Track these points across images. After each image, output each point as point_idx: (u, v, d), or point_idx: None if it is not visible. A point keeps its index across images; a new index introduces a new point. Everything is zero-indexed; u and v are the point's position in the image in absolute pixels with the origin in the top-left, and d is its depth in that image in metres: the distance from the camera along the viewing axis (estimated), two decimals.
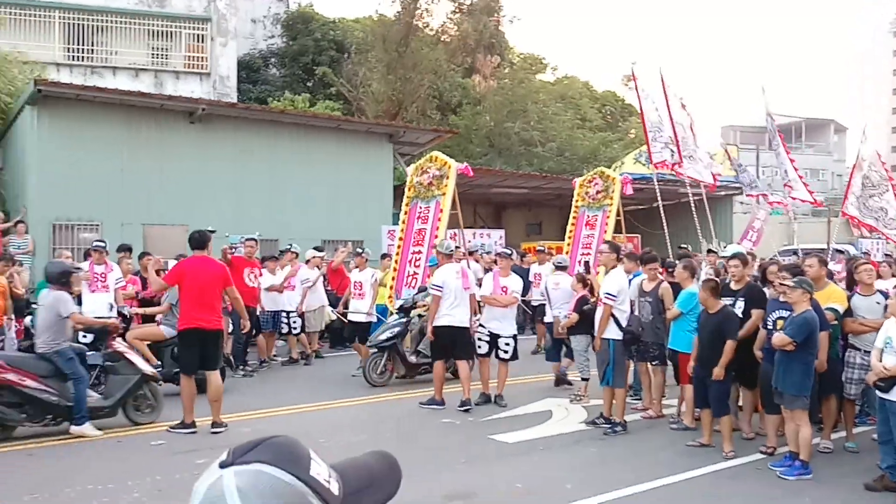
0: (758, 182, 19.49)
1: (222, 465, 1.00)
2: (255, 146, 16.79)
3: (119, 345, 8.64)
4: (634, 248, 19.91)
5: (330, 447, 7.60)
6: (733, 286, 8.25)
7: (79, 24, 24.17)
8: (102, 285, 10.92)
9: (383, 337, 10.81)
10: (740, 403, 8.39)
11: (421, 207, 13.30)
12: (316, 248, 14.06)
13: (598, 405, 8.78)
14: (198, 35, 25.63)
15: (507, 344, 9.71)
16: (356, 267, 12.99)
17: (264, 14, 31.85)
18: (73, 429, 7.84)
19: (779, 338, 6.75)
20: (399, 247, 13.27)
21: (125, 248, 12.41)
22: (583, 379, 9.97)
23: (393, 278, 13.03)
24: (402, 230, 13.37)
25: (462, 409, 9.18)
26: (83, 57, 24.23)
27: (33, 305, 12.19)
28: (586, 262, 16.74)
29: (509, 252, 10.59)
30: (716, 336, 7.43)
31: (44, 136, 14.58)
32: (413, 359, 11.00)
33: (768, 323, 7.38)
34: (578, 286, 10.09)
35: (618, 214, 15.34)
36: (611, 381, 8.36)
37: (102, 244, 11.18)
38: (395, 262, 13.25)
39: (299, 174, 17.01)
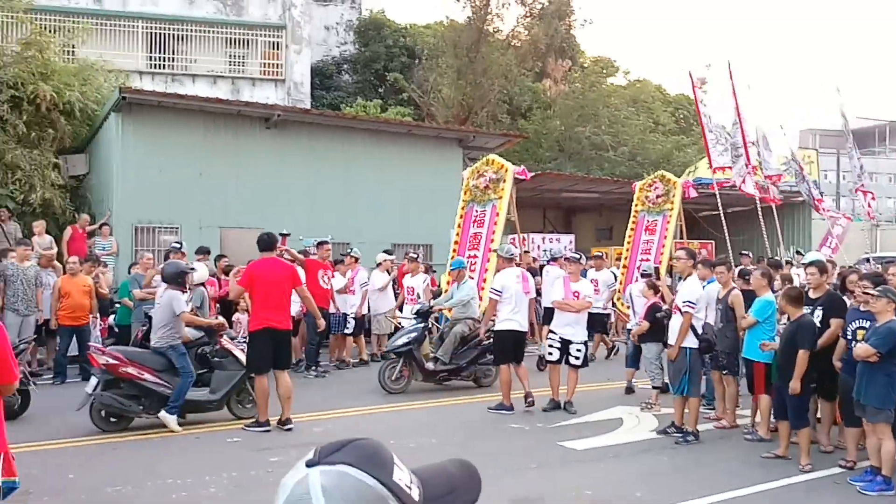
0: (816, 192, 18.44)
1: (309, 464, 1.05)
2: (329, 151, 17.08)
3: (226, 342, 9.01)
4: (708, 254, 19.57)
5: (398, 450, 7.62)
6: (812, 294, 8.03)
7: (160, 34, 25.00)
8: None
9: (399, 342, 10.58)
10: (818, 415, 8.17)
11: (477, 211, 13.22)
12: (386, 252, 14.22)
13: (669, 414, 8.66)
14: (273, 42, 26.22)
15: (579, 350, 9.63)
16: (409, 272, 13.03)
17: (337, 21, 32.35)
18: (162, 414, 8.18)
19: (862, 348, 6.55)
20: (454, 251, 13.16)
21: (203, 251, 12.79)
22: (654, 387, 9.85)
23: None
24: (457, 234, 13.31)
25: (496, 410, 9.33)
26: (164, 65, 25.05)
27: (116, 305, 12.70)
28: (656, 268, 16.41)
29: (578, 256, 10.49)
30: (791, 345, 7.25)
31: (128, 142, 15.13)
32: (430, 366, 10.63)
33: (848, 333, 7.17)
34: (650, 293, 9.97)
35: (679, 219, 14.94)
36: (686, 390, 8.23)
37: (179, 245, 11.54)
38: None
39: (371, 179, 17.22)
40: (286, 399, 8.33)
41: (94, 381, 8.12)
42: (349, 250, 13.54)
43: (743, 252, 15.12)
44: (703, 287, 9.22)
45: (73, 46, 19.93)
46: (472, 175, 13.35)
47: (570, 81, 32.53)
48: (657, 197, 15.38)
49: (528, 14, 29.18)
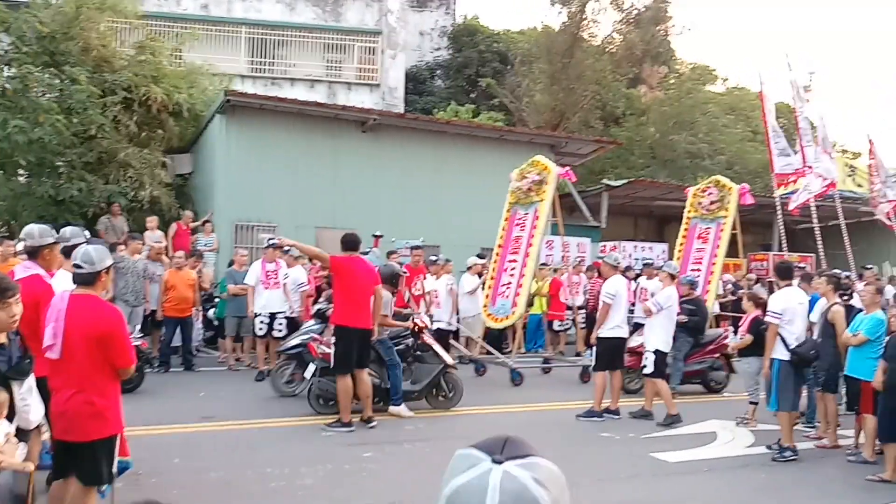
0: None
1: (495, 461, 1.12)
2: (421, 155, 17.30)
3: (428, 338, 9.72)
4: (810, 267, 18.93)
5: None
6: None
7: (262, 39, 25.81)
8: (274, 282, 11.63)
9: (292, 343, 9.91)
10: None
11: (520, 214, 12.74)
12: (478, 256, 14.28)
13: (766, 430, 8.43)
14: (369, 48, 26.71)
15: (646, 358, 9.60)
16: (433, 274, 12.75)
17: (432, 27, 32.71)
18: (392, 409, 9.01)
19: None
20: (497, 254, 12.78)
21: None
22: (751, 402, 9.60)
23: (490, 286, 12.60)
24: (501, 237, 12.89)
25: (586, 417, 9.31)
26: (265, 69, 25.83)
27: (216, 299, 13.18)
28: (735, 282, 15.90)
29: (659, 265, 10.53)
30: None
31: (230, 143, 15.68)
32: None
33: None
34: (750, 305, 9.75)
35: (734, 228, 14.07)
36: (774, 404, 8.12)
37: (274, 241, 11.85)
38: (493, 269, 12.75)
39: (462, 183, 17.34)
40: (366, 397, 8.46)
41: (312, 368, 9.08)
42: (434, 258, 13.05)
43: (866, 266, 14.50)
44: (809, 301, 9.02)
45: (181, 51, 20.77)
46: (518, 177, 12.89)
47: (666, 88, 31.98)
48: (711, 203, 14.40)
49: (625, 20, 28.85)
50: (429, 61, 32.11)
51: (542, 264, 16.02)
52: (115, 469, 4.63)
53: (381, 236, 14.44)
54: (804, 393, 9.63)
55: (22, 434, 4.07)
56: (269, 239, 12.03)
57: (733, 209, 13.98)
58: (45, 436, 4.62)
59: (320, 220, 16.04)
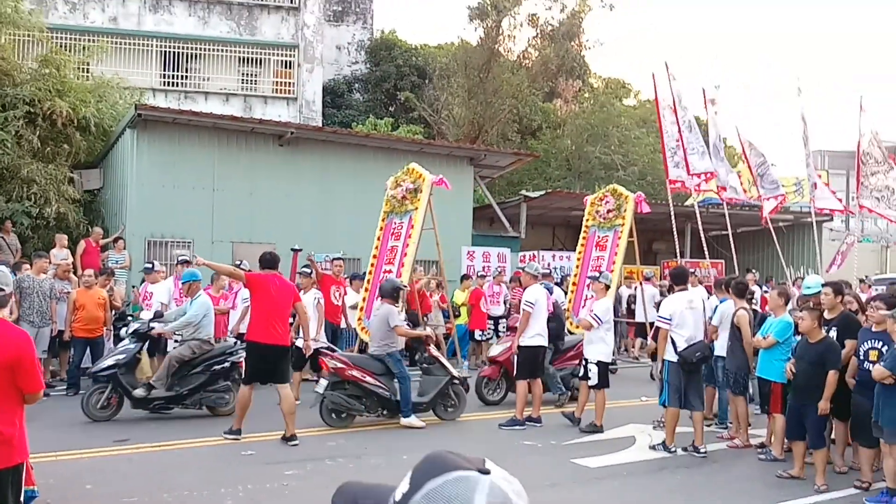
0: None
1: (484, 472, 1.15)
2: (340, 168, 17.19)
3: (434, 350, 9.99)
4: (718, 274, 19.57)
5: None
6: (826, 315, 8.04)
7: (174, 52, 25.28)
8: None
9: (105, 365, 9.43)
10: (833, 436, 8.15)
11: (395, 223, 12.39)
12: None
13: (682, 432, 8.64)
14: (285, 62, 26.47)
15: (590, 370, 9.70)
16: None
17: (349, 41, 32.61)
18: (403, 420, 9.28)
19: (878, 371, 6.56)
20: (372, 265, 12.39)
21: (359, 277, 13.07)
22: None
23: (364, 299, 12.23)
24: (376, 247, 12.51)
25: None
26: (178, 83, 25.29)
27: (129, 318, 12.75)
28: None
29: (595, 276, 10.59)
30: (817, 366, 7.25)
31: (142, 158, 15.26)
32: (141, 392, 9.25)
33: (860, 353, 7.19)
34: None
35: (631, 235, 14.01)
36: (663, 400, 8.59)
37: (186, 258, 11.65)
38: (367, 281, 12.35)
39: (382, 196, 17.29)
40: (289, 414, 8.31)
41: (323, 382, 9.24)
42: (306, 269, 11.79)
43: (749, 269, 15.05)
44: (716, 306, 9.36)
45: (89, 64, 20.17)
46: (392, 185, 12.53)
47: (580, 102, 32.66)
48: (608, 212, 14.34)
49: (540, 35, 29.39)
50: (347, 75, 32.00)
51: (464, 276, 16.14)
52: (21, 499, 4.42)
53: (299, 250, 14.26)
54: (716, 394, 9.97)
55: None
56: (180, 256, 11.78)
57: (629, 217, 13.99)
58: None
59: (237, 234, 15.76)
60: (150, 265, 12.03)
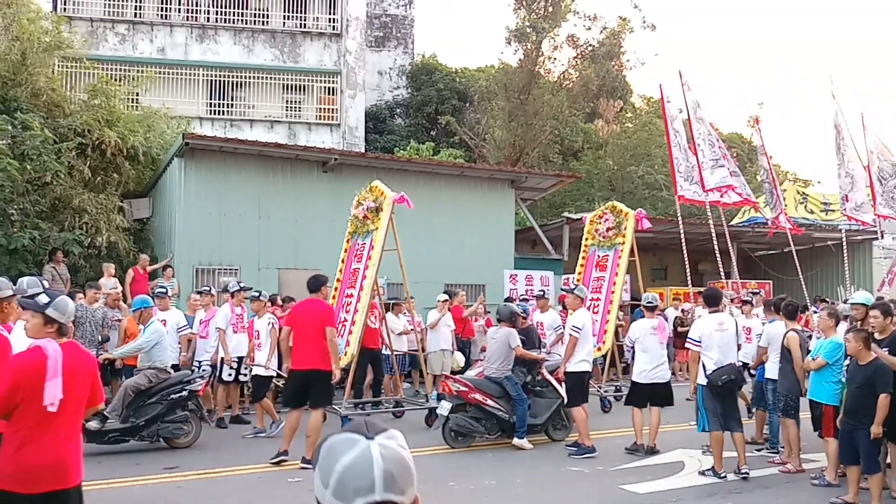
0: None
1: (368, 437, 1.55)
2: None
3: (546, 373, 10.22)
4: (766, 294, 19.23)
5: (458, 491, 7.67)
6: (877, 336, 7.85)
7: (220, 81, 25.83)
8: (242, 326, 11.49)
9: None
10: (889, 460, 7.93)
11: (358, 244, 11.77)
12: (445, 292, 14.23)
13: (731, 457, 8.47)
14: (328, 88, 26.84)
15: None
16: (256, 312, 11.15)
17: (390, 66, 33.03)
18: (515, 441, 9.59)
19: None
20: (336, 289, 11.76)
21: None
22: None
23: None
24: (340, 270, 11.98)
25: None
26: (223, 111, 25.81)
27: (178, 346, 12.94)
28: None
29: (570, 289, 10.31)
30: (868, 389, 7.07)
31: (189, 186, 15.55)
32: (94, 425, 8.70)
33: None
34: None
35: (633, 254, 13.50)
36: (703, 425, 8.50)
37: (239, 286, 11.79)
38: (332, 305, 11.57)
39: (423, 220, 17.37)
40: (308, 437, 8.35)
41: (446, 404, 9.58)
42: (257, 294, 11.30)
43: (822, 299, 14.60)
44: (764, 326, 9.24)
45: (138, 94, 20.68)
46: (355, 204, 11.94)
47: (622, 122, 32.53)
48: (608, 230, 13.76)
49: (580, 56, 29.39)
50: (388, 100, 32.37)
51: (507, 299, 16.08)
52: None
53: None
54: (766, 418, 9.79)
55: None
56: (240, 283, 11.88)
57: (630, 235, 13.49)
58: None
59: (283, 261, 15.94)
60: (163, 289, 11.70)
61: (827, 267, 16.73)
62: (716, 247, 14.23)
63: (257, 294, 11.09)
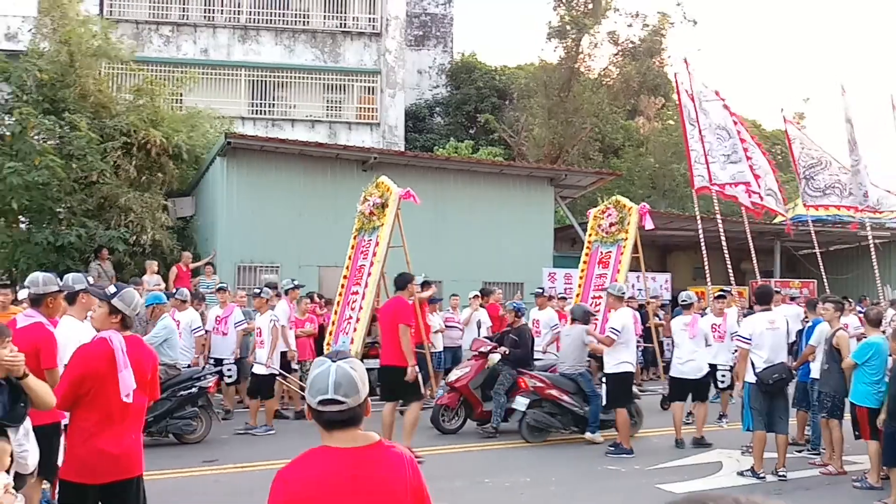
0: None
1: (334, 360, 2.56)
2: (421, 191, 17.28)
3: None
4: (810, 293, 18.90)
5: (493, 487, 7.69)
6: None
7: (262, 81, 26.16)
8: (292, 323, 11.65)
9: None
10: None
11: (365, 241, 11.69)
12: (481, 291, 14.25)
13: (771, 458, 8.36)
14: (368, 87, 27.02)
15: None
16: (258, 309, 10.99)
17: (430, 65, 33.11)
18: (588, 435, 9.81)
19: None
20: (343, 286, 11.74)
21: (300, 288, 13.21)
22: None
23: (333, 322, 11.72)
24: (346, 267, 11.88)
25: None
26: (265, 111, 26.13)
27: None
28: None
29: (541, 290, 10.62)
30: None
31: (232, 185, 15.80)
32: None
33: None
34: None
35: (635, 251, 13.08)
36: (748, 424, 8.38)
37: (291, 283, 11.96)
38: (337, 303, 11.77)
39: (463, 218, 17.43)
40: (405, 429, 8.64)
41: (523, 400, 9.72)
42: (258, 290, 11.14)
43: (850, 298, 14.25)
44: (813, 326, 9.13)
45: (181, 94, 21.03)
46: (361, 200, 11.89)
47: (664, 118, 32.21)
48: (610, 225, 13.29)
49: (620, 53, 29.17)
50: (428, 99, 32.45)
51: (538, 293, 16.00)
52: None
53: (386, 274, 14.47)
54: (809, 418, 9.64)
55: (18, 480, 4.05)
56: (294, 282, 12.02)
57: (633, 230, 13.08)
58: (47, 485, 4.62)
59: (323, 259, 16.09)
60: (209, 286, 11.79)
61: (869, 266, 16.41)
62: (751, 245, 13.93)
63: (258, 291, 11.01)
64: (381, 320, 9.23)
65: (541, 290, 13.75)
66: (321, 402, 2.51)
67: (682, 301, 10.23)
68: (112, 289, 4.51)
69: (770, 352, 8.20)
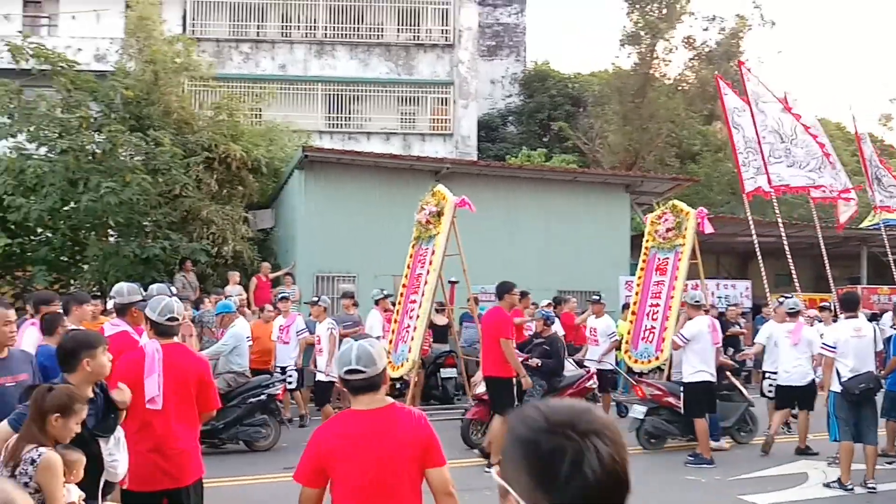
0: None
1: (356, 340, 3.40)
2: (494, 200, 17.40)
3: (732, 378, 10.52)
4: None
5: None
6: None
7: (338, 95, 26.64)
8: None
9: None
10: None
11: (423, 249, 11.75)
12: (554, 299, 14.19)
13: (859, 469, 8.06)
14: (441, 98, 27.20)
15: None
16: (315, 318, 11.27)
17: (502, 74, 33.16)
18: (712, 443, 9.45)
19: None
20: (402, 294, 11.81)
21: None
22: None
23: (393, 331, 11.65)
24: (405, 276, 12.04)
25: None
26: (341, 124, 26.59)
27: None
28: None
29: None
30: None
31: (309, 197, 16.14)
32: None
33: None
34: None
35: (693, 257, 12.58)
36: (834, 435, 8.14)
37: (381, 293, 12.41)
38: (397, 312, 11.75)
39: (536, 226, 17.37)
40: (492, 442, 8.51)
41: (640, 408, 9.82)
42: (315, 299, 11.50)
43: None
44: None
45: (260, 109, 21.59)
46: (418, 209, 11.94)
47: None
48: (667, 231, 12.77)
49: (696, 57, 28.67)
50: (501, 108, 32.49)
51: (625, 305, 15.79)
52: None
53: (456, 282, 14.53)
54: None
55: (108, 487, 4.19)
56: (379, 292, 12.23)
57: (691, 236, 12.62)
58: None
59: (398, 268, 16.15)
60: (285, 295, 12.15)
61: None
62: (823, 251, 13.39)
63: (316, 299, 11.16)
64: (483, 331, 9.21)
65: (597, 298, 13.37)
66: (347, 372, 3.25)
67: (790, 309, 10.17)
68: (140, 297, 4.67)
69: (856, 360, 7.93)
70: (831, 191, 14.06)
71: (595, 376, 11.22)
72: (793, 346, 9.68)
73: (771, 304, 14.29)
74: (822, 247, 13.41)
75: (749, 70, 13.26)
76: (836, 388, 7.98)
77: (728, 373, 10.44)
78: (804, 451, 9.62)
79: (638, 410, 9.88)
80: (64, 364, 4.17)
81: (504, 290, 8.97)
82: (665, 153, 27.95)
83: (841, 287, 21.04)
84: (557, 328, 12.78)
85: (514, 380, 8.73)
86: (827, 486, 8.08)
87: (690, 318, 9.61)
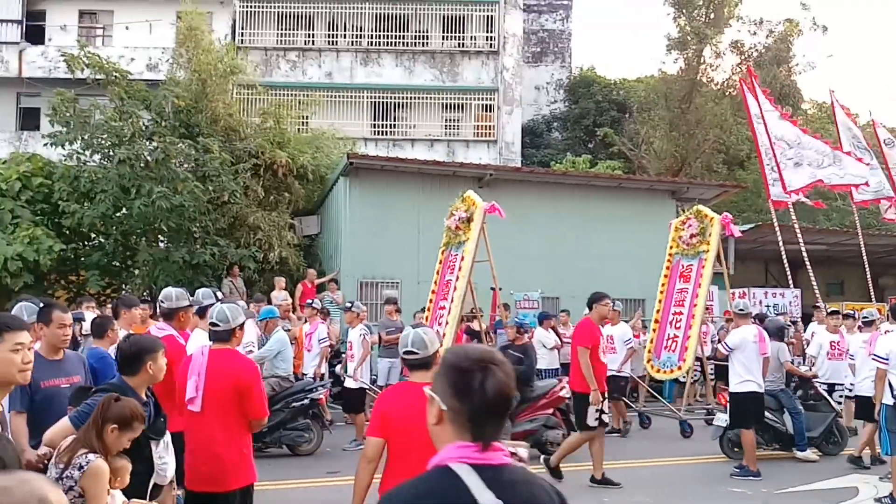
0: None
1: (414, 329, 4.26)
2: (538, 207, 17.34)
3: (818, 387, 10.58)
4: None
5: None
6: None
7: (383, 102, 26.85)
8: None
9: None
10: None
11: (452, 255, 11.64)
12: None
13: None
14: (486, 105, 27.25)
15: None
16: (348, 323, 11.33)
17: (547, 81, 33.11)
18: (798, 454, 9.75)
19: None
20: (430, 301, 11.80)
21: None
22: None
23: (444, 335, 11.33)
24: (435, 282, 11.84)
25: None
26: (386, 131, 26.79)
27: (342, 354, 13.55)
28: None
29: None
30: None
31: (354, 204, 16.28)
32: None
33: None
34: None
35: (719, 263, 12.42)
36: (887, 449, 7.86)
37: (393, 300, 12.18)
38: (426, 318, 11.73)
39: (580, 233, 17.27)
40: (593, 454, 8.37)
41: (723, 416, 9.68)
42: (349, 305, 11.41)
43: None
44: None
45: (307, 117, 21.86)
46: (448, 215, 11.89)
47: None
48: (691, 237, 12.66)
49: (744, 62, 28.29)
50: (545, 114, 32.42)
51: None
52: None
53: (500, 290, 14.52)
54: None
55: (156, 489, 4.29)
56: (390, 297, 12.27)
57: (715, 242, 12.44)
58: (179, 491, 4.87)
59: None
60: (317, 304, 12.24)
61: None
62: (864, 257, 13.09)
63: (349, 305, 11.19)
64: (572, 345, 8.96)
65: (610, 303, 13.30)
66: (405, 353, 4.12)
67: (864, 318, 10.28)
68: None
69: None
70: (865, 183, 13.81)
71: (606, 382, 11.07)
72: (870, 357, 9.37)
73: (821, 313, 14.04)
74: (864, 255, 13.11)
75: (756, 77, 13.09)
76: (889, 400, 7.78)
77: (815, 383, 10.49)
78: (856, 462, 9.40)
79: (721, 419, 9.72)
80: (126, 367, 4.26)
81: (594, 299, 8.59)
82: (712, 159, 27.62)
83: (894, 296, 20.55)
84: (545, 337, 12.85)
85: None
86: (878, 500, 7.89)
87: (737, 327, 9.48)
